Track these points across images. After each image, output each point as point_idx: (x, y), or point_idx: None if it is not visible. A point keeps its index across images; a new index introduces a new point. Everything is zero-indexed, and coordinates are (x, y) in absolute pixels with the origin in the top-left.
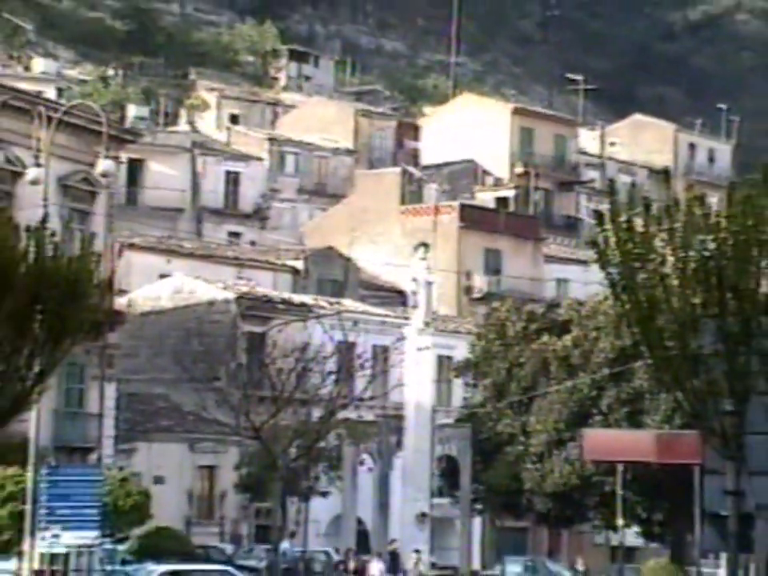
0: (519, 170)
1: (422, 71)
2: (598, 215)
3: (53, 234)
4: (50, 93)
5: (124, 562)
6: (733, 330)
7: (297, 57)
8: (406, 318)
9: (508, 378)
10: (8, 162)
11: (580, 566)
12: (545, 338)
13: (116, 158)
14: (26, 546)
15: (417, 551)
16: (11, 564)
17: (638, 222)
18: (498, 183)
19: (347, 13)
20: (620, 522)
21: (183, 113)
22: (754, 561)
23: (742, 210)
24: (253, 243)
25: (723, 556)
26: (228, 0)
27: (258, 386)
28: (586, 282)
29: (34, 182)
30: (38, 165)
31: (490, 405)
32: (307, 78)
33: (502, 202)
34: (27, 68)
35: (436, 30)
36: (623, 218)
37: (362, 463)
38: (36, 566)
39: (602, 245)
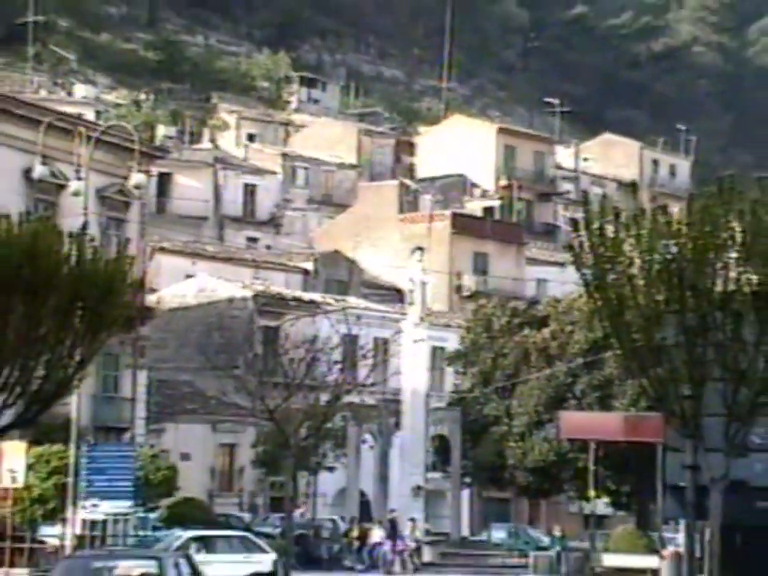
0: (503, 182)
1: (417, 95)
2: (574, 223)
3: (92, 240)
4: (90, 115)
5: (154, 529)
6: (691, 324)
7: (307, 82)
8: (403, 314)
9: (493, 367)
10: (53, 175)
11: (557, 532)
12: (526, 331)
13: (147, 172)
14: (69, 514)
15: (412, 519)
16: (56, 530)
17: (609, 229)
18: (484, 194)
19: (351, 43)
20: (592, 493)
21: (206, 132)
22: (709, 526)
23: (700, 219)
24: (268, 247)
25: (682, 522)
26: (246, 32)
27: (272, 374)
28: (563, 282)
29: (76, 194)
30: (79, 178)
31: (478, 390)
32: (316, 101)
33: (488, 211)
34: (69, 93)
35: (430, 58)
36: (596, 225)
37: (364, 442)
38: (78, 531)
39: (577, 249)
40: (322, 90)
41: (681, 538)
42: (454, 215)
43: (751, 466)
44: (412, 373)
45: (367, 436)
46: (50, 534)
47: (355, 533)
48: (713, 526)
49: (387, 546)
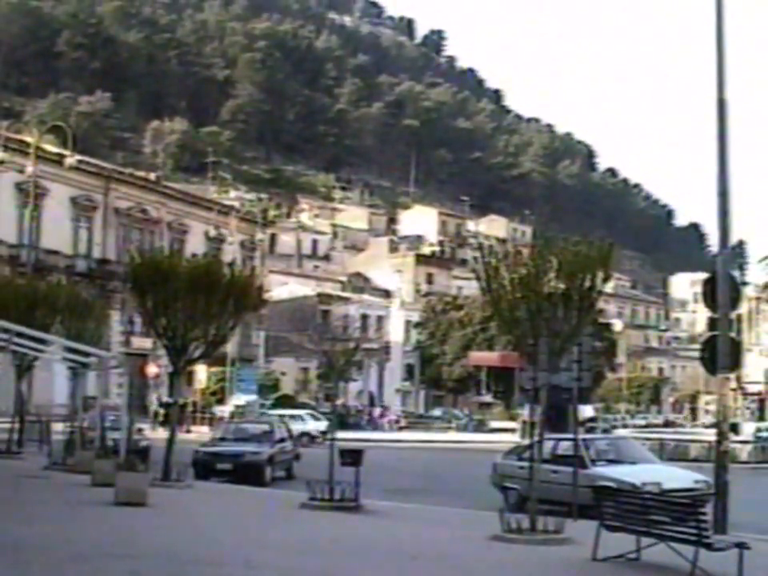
0: (441, 238)
1: (397, 194)
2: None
3: (237, 265)
4: (237, 205)
5: (268, 409)
6: (531, 308)
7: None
8: (391, 303)
9: (436, 330)
10: (219, 236)
11: (466, 411)
12: (452, 312)
13: (263, 232)
14: (227, 401)
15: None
16: (222, 408)
17: (494, 261)
18: (431, 245)
19: (365, 166)
20: (484, 390)
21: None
22: (539, 406)
23: (537, 255)
24: (322, 270)
25: (527, 405)
26: (313, 162)
27: (325, 333)
28: (471, 288)
29: (230, 243)
30: (228, 239)
31: (428, 342)
32: (348, 197)
33: (433, 252)
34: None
35: (404, 176)
36: (487, 260)
37: (371, 366)
38: (231, 409)
39: (479, 271)
40: (350, 191)
41: (526, 413)
42: (416, 255)
43: (560, 378)
44: (395, 333)
45: (373, 363)
46: (219, 410)
47: (367, 410)
48: (541, 406)
49: (383, 417)
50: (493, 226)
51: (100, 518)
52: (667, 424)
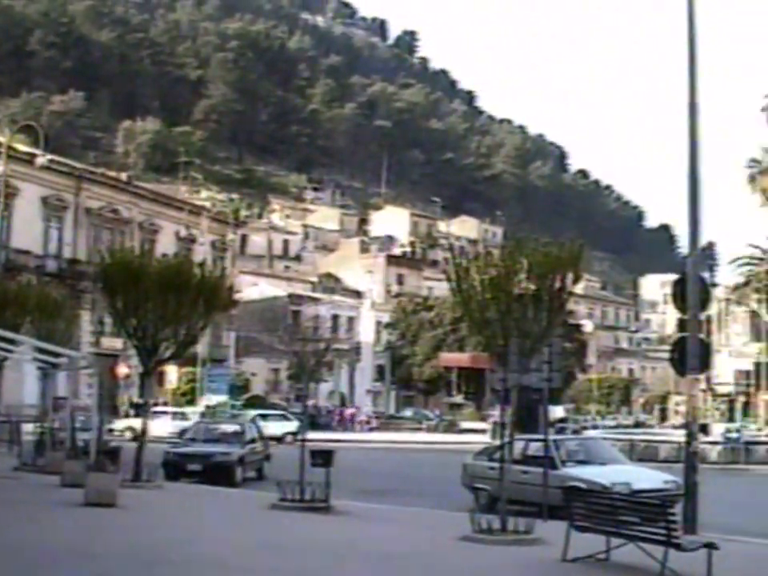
0: (412, 239)
1: (369, 196)
2: (452, 259)
3: (207, 265)
4: (208, 205)
5: (239, 410)
6: (502, 309)
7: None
8: (362, 303)
9: (406, 330)
10: (189, 236)
11: (437, 412)
12: (422, 313)
13: (235, 234)
14: (199, 403)
15: (366, 405)
16: (201, 408)
17: (464, 262)
18: (402, 245)
19: (337, 167)
20: (454, 391)
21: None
22: (510, 407)
23: (508, 256)
24: (293, 270)
25: (498, 406)
26: (287, 164)
27: (296, 334)
28: (441, 289)
29: (201, 244)
30: (200, 239)
31: (399, 342)
32: (320, 198)
33: (404, 253)
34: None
35: (377, 178)
36: (457, 261)
37: (342, 366)
38: (201, 410)
39: (449, 272)
40: (322, 192)
41: (497, 413)
42: (387, 255)
43: (530, 379)
44: (366, 334)
45: (344, 363)
46: (189, 410)
47: (337, 411)
48: (512, 407)
49: (354, 418)
50: (464, 227)
51: (70, 518)
52: (637, 425)
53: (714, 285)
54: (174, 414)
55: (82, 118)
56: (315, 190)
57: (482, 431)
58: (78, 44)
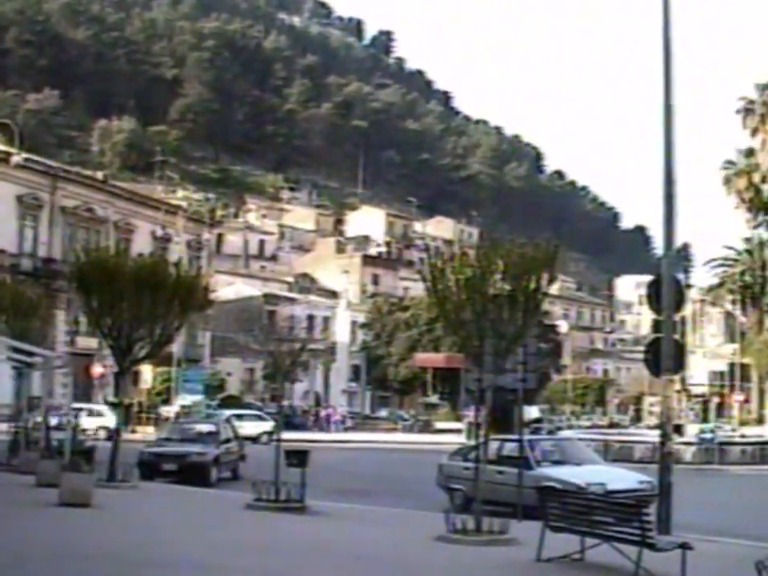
0: (388, 239)
1: (345, 196)
2: (428, 259)
3: (183, 265)
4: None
5: (214, 409)
6: (477, 310)
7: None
8: (337, 303)
9: (381, 330)
10: (165, 235)
11: (412, 412)
12: (397, 313)
13: (210, 233)
14: (173, 401)
15: (341, 405)
16: (167, 408)
17: (439, 262)
18: (378, 245)
19: (314, 166)
20: (429, 392)
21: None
22: (485, 407)
23: (483, 257)
24: (269, 270)
25: (471, 408)
26: (264, 164)
27: (271, 334)
28: (417, 289)
29: (177, 244)
30: (175, 239)
31: (374, 342)
32: (296, 198)
33: (380, 253)
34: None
35: (353, 178)
36: (433, 261)
37: (317, 366)
38: (177, 409)
39: (425, 272)
40: (298, 192)
41: (470, 413)
42: (363, 255)
43: (505, 379)
44: (342, 334)
45: (319, 364)
46: (164, 410)
47: (313, 411)
48: (487, 408)
49: (329, 418)
50: (440, 228)
51: (44, 519)
52: (612, 425)
53: (689, 286)
54: (90, 411)
55: (58, 117)
56: (291, 189)
57: (457, 431)
58: (54, 42)
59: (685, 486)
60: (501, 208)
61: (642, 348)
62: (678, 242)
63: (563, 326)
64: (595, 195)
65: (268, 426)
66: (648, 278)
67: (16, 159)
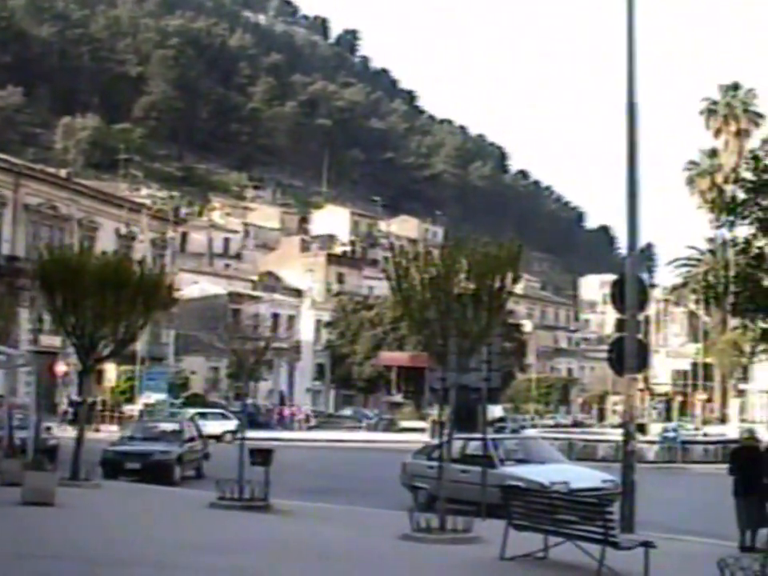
0: (353, 237)
1: (310, 194)
2: (386, 259)
3: (146, 263)
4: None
5: (177, 408)
6: (441, 309)
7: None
8: (302, 302)
9: (346, 329)
10: (130, 234)
11: (376, 411)
12: (362, 312)
13: (175, 231)
14: (136, 400)
15: (305, 404)
16: (130, 407)
17: (404, 262)
18: (343, 244)
19: (278, 164)
20: (394, 391)
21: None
22: (448, 406)
23: (448, 256)
24: (233, 269)
25: (435, 406)
26: (228, 162)
27: (235, 332)
28: (382, 288)
29: (141, 242)
30: (139, 237)
31: (339, 341)
32: (261, 196)
33: (344, 252)
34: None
35: (318, 177)
36: (397, 260)
37: (281, 365)
38: (140, 408)
39: (389, 271)
40: (263, 190)
41: (435, 412)
42: (328, 254)
43: (469, 378)
44: (306, 332)
45: (283, 363)
46: (127, 409)
47: (277, 410)
48: (450, 406)
49: (293, 417)
50: (404, 227)
51: (7, 518)
52: (576, 424)
53: (653, 285)
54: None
55: (21, 114)
56: (256, 188)
57: (421, 430)
58: (18, 39)
59: (648, 485)
60: (465, 207)
61: (605, 347)
62: (642, 241)
63: (527, 325)
64: (559, 195)
65: (232, 424)
66: (612, 277)
67: None
